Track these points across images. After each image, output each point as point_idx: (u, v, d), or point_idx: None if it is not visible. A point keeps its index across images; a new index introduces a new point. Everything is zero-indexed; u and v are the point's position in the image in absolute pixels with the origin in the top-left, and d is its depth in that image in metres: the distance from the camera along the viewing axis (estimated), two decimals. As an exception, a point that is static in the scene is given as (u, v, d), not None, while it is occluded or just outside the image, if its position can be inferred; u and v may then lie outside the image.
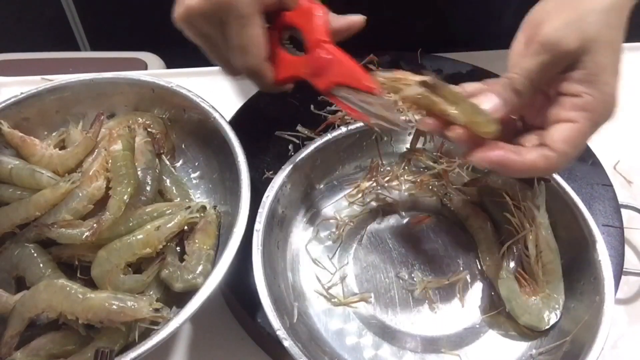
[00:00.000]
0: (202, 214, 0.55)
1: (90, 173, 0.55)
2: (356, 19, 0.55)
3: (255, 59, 0.52)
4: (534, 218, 0.54)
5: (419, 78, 0.47)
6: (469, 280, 0.57)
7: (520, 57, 0.47)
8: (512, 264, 0.54)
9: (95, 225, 0.51)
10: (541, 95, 0.48)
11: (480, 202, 0.60)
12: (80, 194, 0.53)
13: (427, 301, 0.55)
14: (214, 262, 0.53)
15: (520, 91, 0.46)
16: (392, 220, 0.61)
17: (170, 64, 1.25)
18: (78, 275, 0.52)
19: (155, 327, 0.47)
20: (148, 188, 0.57)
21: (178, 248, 0.55)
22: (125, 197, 0.52)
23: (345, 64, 0.51)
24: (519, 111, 0.49)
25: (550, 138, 0.45)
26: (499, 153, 0.45)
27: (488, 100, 0.47)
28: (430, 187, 0.62)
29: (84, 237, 0.51)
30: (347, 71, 0.51)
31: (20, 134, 0.60)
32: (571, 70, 0.45)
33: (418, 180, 0.62)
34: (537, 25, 0.47)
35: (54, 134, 0.63)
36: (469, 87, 0.50)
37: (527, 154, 0.45)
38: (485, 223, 0.58)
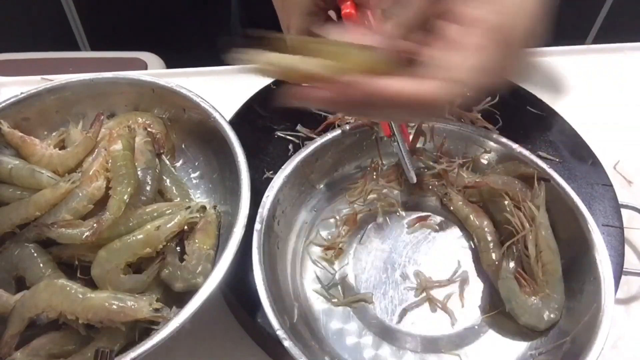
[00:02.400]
0: (202, 214, 0.55)
1: (90, 173, 0.55)
2: None
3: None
4: (534, 218, 0.54)
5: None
6: (469, 280, 0.57)
7: None
8: (512, 264, 0.54)
9: (95, 225, 0.51)
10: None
11: (480, 202, 0.60)
12: (80, 194, 0.53)
13: (427, 301, 0.55)
14: (214, 262, 0.53)
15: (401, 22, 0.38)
16: (392, 220, 0.61)
17: (170, 64, 1.26)
18: (78, 275, 0.52)
19: (156, 327, 0.47)
20: (148, 188, 0.57)
21: (178, 248, 0.55)
22: (125, 197, 0.52)
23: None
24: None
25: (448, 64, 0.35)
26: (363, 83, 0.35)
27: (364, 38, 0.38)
28: (430, 187, 0.62)
29: (84, 237, 0.51)
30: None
31: (20, 134, 0.60)
32: None
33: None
34: None
35: (54, 134, 0.63)
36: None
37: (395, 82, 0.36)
38: (485, 223, 0.58)
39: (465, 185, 0.60)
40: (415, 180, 0.59)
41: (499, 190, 0.58)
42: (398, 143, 0.57)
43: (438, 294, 0.55)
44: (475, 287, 0.56)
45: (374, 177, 0.63)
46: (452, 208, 0.61)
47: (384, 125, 0.58)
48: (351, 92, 0.36)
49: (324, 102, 0.38)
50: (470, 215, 0.59)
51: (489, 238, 0.57)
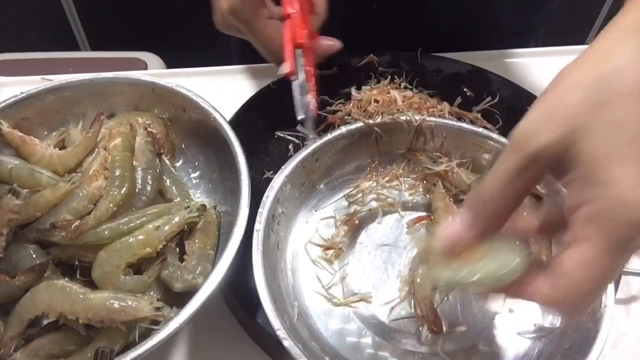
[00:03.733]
0: (202, 214, 0.55)
1: (90, 173, 0.55)
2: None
3: (272, 50, 0.61)
4: None
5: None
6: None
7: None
8: None
9: (73, 226, 0.51)
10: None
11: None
12: (80, 194, 0.53)
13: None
14: (214, 262, 0.53)
15: (491, 202, 0.37)
16: (392, 220, 0.61)
17: (170, 64, 1.26)
18: (78, 276, 0.52)
19: (156, 327, 0.47)
20: (148, 188, 0.57)
21: (178, 248, 0.55)
22: (117, 199, 0.53)
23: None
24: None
25: (558, 263, 0.35)
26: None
27: (452, 227, 0.38)
28: (429, 186, 0.62)
29: (61, 235, 0.51)
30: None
31: (20, 134, 0.60)
32: (565, 173, 0.35)
33: (418, 179, 0.62)
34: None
35: (54, 133, 0.63)
36: None
37: (532, 281, 0.36)
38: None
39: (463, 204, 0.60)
40: (301, 116, 0.59)
41: None
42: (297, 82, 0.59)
43: (438, 293, 0.55)
44: (475, 287, 0.56)
45: (374, 177, 0.63)
46: (429, 196, 0.61)
47: (290, 61, 0.59)
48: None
49: None
50: (439, 209, 0.59)
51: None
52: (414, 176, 0.63)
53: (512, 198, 0.37)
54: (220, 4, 0.61)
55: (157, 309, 0.48)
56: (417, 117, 0.62)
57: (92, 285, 0.51)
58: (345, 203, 0.62)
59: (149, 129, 0.62)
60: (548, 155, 0.35)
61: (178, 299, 0.50)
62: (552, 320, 0.53)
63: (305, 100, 0.59)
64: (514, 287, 0.37)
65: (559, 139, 0.34)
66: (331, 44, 0.65)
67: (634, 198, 0.32)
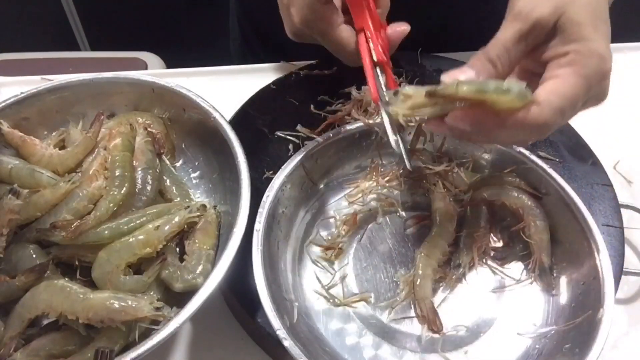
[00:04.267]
0: (202, 214, 0.55)
1: (90, 173, 0.55)
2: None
3: (348, 56, 0.60)
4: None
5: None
6: (469, 279, 0.57)
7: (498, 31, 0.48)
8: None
9: (73, 226, 0.51)
10: (535, 65, 0.48)
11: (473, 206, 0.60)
12: (80, 194, 0.53)
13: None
14: (214, 262, 0.53)
15: (494, 60, 0.46)
16: (392, 220, 0.61)
17: (170, 64, 1.26)
18: (78, 276, 0.52)
19: (156, 327, 0.47)
20: (148, 188, 0.57)
21: (178, 248, 0.55)
22: (117, 199, 0.53)
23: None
24: None
25: (535, 94, 0.43)
26: (478, 112, 0.43)
27: (461, 71, 0.46)
28: (429, 186, 0.62)
29: (61, 235, 0.51)
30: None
31: (20, 134, 0.60)
32: (552, 38, 0.46)
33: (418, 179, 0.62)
34: (513, 2, 0.48)
35: (54, 133, 0.63)
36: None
37: (511, 113, 0.43)
38: (449, 223, 0.58)
39: (462, 205, 0.60)
40: (410, 167, 0.56)
41: (494, 201, 0.58)
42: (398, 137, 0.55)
43: (438, 294, 0.56)
44: (476, 287, 0.56)
45: (374, 177, 0.63)
46: (429, 196, 0.61)
47: (372, 86, 0.57)
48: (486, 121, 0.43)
49: (473, 125, 0.44)
50: (439, 210, 0.59)
51: (441, 238, 0.57)
52: (414, 176, 0.63)
53: (512, 61, 0.46)
54: (291, 18, 0.60)
55: (157, 309, 0.48)
56: (417, 117, 0.62)
57: (92, 285, 0.51)
58: (345, 203, 0.62)
59: (149, 129, 0.62)
60: (544, 24, 0.45)
61: (178, 299, 0.50)
62: (552, 320, 0.53)
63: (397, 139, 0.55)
64: (501, 116, 0.43)
65: (552, 10, 0.45)
66: (402, 29, 0.62)
67: (605, 53, 0.44)
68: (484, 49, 0.47)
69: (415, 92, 0.45)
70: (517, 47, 0.46)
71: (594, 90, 0.45)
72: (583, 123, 0.70)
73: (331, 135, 0.60)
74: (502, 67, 0.46)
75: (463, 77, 0.45)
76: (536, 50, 0.48)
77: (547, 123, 0.43)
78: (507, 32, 0.46)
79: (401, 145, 0.54)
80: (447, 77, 0.46)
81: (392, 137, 0.53)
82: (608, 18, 0.47)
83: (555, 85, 0.44)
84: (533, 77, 0.48)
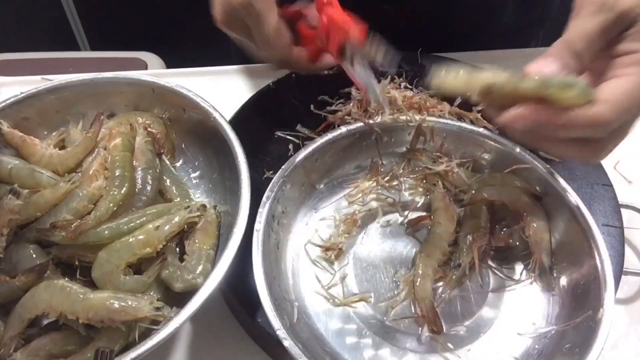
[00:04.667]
0: (202, 214, 0.55)
1: (90, 173, 0.55)
2: None
3: (281, 50, 0.56)
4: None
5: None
6: (469, 279, 0.57)
7: (577, 20, 0.44)
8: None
9: (73, 226, 0.51)
10: (602, 62, 0.45)
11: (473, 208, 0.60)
12: (80, 194, 0.53)
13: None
14: (214, 262, 0.53)
15: (580, 54, 0.43)
16: (392, 221, 0.61)
17: (170, 64, 1.26)
18: (78, 276, 0.52)
19: (156, 327, 0.47)
20: (148, 188, 0.57)
21: (178, 248, 0.55)
22: (117, 199, 0.53)
23: (338, 21, 0.51)
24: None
25: (598, 92, 0.42)
26: (535, 108, 0.42)
27: (546, 64, 0.44)
28: (429, 186, 0.62)
29: (61, 235, 0.51)
30: (341, 28, 0.52)
31: (20, 134, 0.60)
32: (627, 29, 0.43)
33: (418, 179, 0.62)
34: None
35: (54, 133, 0.63)
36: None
37: (571, 110, 0.41)
38: (449, 223, 0.58)
39: (462, 205, 0.60)
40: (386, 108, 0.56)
41: (495, 202, 0.58)
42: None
43: (438, 294, 0.56)
44: (476, 286, 0.56)
45: (374, 177, 0.63)
46: (429, 196, 0.61)
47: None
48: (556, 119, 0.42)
49: (529, 124, 0.43)
50: (439, 209, 0.59)
51: (441, 237, 0.57)
52: (414, 176, 0.63)
53: (594, 53, 0.44)
54: None
55: (157, 309, 0.48)
56: (417, 117, 0.62)
57: (92, 285, 0.51)
58: (345, 203, 0.62)
59: (149, 129, 0.62)
60: (630, 16, 0.43)
61: (178, 299, 0.50)
62: (552, 320, 0.53)
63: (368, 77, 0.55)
64: (567, 111, 0.41)
65: (637, 3, 0.43)
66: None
67: None
68: (566, 40, 0.44)
69: (466, 76, 0.44)
70: (601, 40, 0.44)
71: None
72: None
73: (331, 135, 0.60)
74: (587, 61, 0.44)
75: (548, 70, 0.43)
76: (607, 45, 0.45)
77: (611, 121, 0.41)
78: (592, 23, 0.43)
79: (377, 89, 0.53)
80: (533, 69, 0.44)
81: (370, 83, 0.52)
82: None
83: (621, 83, 0.42)
84: (591, 75, 0.46)
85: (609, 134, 0.43)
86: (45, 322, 0.51)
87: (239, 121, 0.67)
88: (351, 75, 0.54)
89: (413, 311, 0.54)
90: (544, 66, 0.43)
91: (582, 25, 0.44)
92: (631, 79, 0.42)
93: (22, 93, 0.61)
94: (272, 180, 0.56)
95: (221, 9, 0.58)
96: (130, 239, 0.51)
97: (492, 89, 0.43)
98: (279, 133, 0.68)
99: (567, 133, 0.43)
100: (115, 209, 0.53)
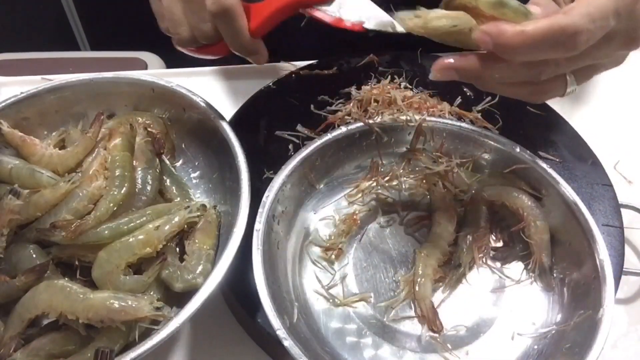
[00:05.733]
0: (202, 214, 0.55)
1: (90, 173, 0.55)
2: None
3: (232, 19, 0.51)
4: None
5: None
6: (469, 279, 0.57)
7: None
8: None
9: (73, 226, 0.51)
10: None
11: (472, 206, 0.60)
12: (80, 194, 0.53)
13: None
14: (214, 262, 0.53)
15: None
16: (392, 220, 0.61)
17: (170, 64, 1.26)
18: (78, 276, 0.52)
19: (156, 327, 0.47)
20: (148, 188, 0.57)
21: (178, 248, 0.55)
22: (117, 199, 0.53)
23: None
24: None
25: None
26: (497, 24, 0.41)
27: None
28: (429, 186, 0.62)
29: (61, 235, 0.51)
30: None
31: (20, 134, 0.60)
32: None
33: (418, 179, 0.62)
34: None
35: (53, 133, 0.63)
36: None
37: (533, 21, 0.40)
38: (449, 223, 0.58)
39: (462, 205, 0.60)
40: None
41: (494, 201, 0.58)
42: None
43: (438, 294, 0.56)
44: (476, 286, 0.56)
45: (374, 177, 0.63)
46: (430, 197, 0.61)
47: None
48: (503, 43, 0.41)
49: (472, 70, 0.43)
50: (440, 209, 0.59)
51: (442, 238, 0.57)
52: (414, 176, 0.63)
53: None
54: None
55: (157, 309, 0.48)
56: (417, 117, 0.62)
57: (92, 285, 0.51)
58: (345, 203, 0.62)
59: (149, 129, 0.62)
60: None
61: (178, 299, 0.51)
62: (552, 320, 0.53)
63: None
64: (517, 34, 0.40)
65: None
66: None
67: None
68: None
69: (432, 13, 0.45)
70: None
71: (623, 19, 0.41)
72: (583, 123, 0.70)
73: (331, 135, 0.60)
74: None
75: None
76: None
77: (577, 29, 0.39)
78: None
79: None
80: None
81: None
82: None
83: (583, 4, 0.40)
84: None
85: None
86: (45, 322, 0.51)
87: (239, 121, 0.67)
88: (322, 18, 0.53)
89: (413, 311, 0.54)
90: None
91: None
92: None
93: (22, 93, 0.61)
94: (272, 180, 0.56)
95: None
96: (130, 239, 0.51)
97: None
98: (279, 133, 0.68)
99: (533, 51, 0.41)
100: (115, 209, 0.53)
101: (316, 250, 0.58)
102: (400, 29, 0.48)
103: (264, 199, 0.54)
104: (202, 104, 0.60)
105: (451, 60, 0.45)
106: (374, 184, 0.62)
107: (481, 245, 0.57)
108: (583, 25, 0.39)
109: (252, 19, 0.55)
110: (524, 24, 0.41)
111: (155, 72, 1.04)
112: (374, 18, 0.51)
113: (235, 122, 0.65)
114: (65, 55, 1.33)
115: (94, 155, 0.58)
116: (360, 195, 0.62)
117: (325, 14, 0.52)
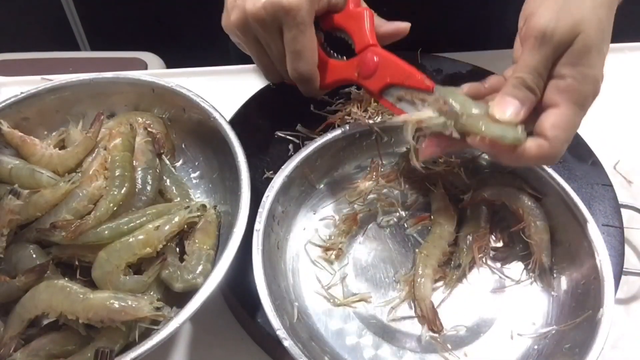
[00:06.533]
0: (202, 214, 0.55)
1: (90, 173, 0.55)
2: (402, 26, 0.62)
3: (308, 65, 0.58)
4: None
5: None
6: (469, 279, 0.57)
7: (524, 55, 0.49)
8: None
9: (73, 226, 0.51)
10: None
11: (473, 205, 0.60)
12: (80, 194, 0.53)
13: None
14: (214, 262, 0.53)
15: (532, 88, 0.48)
16: (392, 220, 0.61)
17: (170, 64, 1.26)
18: (78, 276, 0.52)
19: (156, 327, 0.47)
20: (148, 188, 0.57)
21: (178, 248, 0.55)
22: (117, 199, 0.53)
23: (400, 65, 0.56)
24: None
25: (541, 126, 0.47)
26: (496, 145, 0.47)
27: (507, 105, 0.48)
28: (429, 186, 0.62)
29: (61, 235, 0.51)
30: (403, 71, 0.55)
31: (20, 134, 0.60)
32: (563, 52, 0.48)
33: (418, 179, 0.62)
34: (529, 18, 0.49)
35: (54, 133, 0.63)
36: (472, 87, 0.52)
37: (522, 147, 0.47)
38: (449, 223, 0.58)
39: (462, 205, 0.60)
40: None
41: (494, 201, 0.58)
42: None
43: (438, 294, 0.56)
44: (476, 286, 0.56)
45: (374, 177, 0.63)
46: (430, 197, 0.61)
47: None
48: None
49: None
50: (440, 209, 0.59)
51: (441, 237, 0.57)
52: (414, 176, 0.63)
53: (544, 81, 0.48)
54: None
55: (157, 309, 0.48)
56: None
57: (92, 285, 0.51)
58: (345, 203, 0.62)
59: (149, 129, 0.62)
60: (565, 44, 0.47)
61: (178, 299, 0.51)
62: (552, 320, 0.53)
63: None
64: (511, 152, 0.47)
65: (571, 29, 0.47)
66: (398, 28, 0.63)
67: (600, 76, 0.48)
68: (518, 77, 0.48)
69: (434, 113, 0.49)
70: (547, 70, 0.48)
71: (588, 107, 0.49)
72: (583, 123, 0.70)
73: (331, 135, 0.60)
74: (540, 90, 0.49)
75: (509, 110, 0.48)
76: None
77: (558, 155, 0.48)
78: (536, 58, 0.48)
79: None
80: (497, 111, 0.48)
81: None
82: (610, 35, 0.50)
83: (557, 117, 0.47)
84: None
85: None
86: (45, 322, 0.51)
87: (239, 121, 0.67)
88: (392, 108, 0.57)
89: (413, 311, 0.54)
90: (505, 107, 0.48)
91: (529, 60, 0.48)
92: (564, 110, 0.47)
93: (22, 93, 0.61)
94: (272, 180, 0.56)
95: (256, 9, 0.56)
96: (130, 239, 0.51)
97: (464, 126, 0.48)
98: (279, 133, 0.68)
99: (517, 163, 0.49)
100: (115, 209, 0.53)
101: (316, 250, 0.58)
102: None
103: (264, 199, 0.54)
104: (202, 104, 0.60)
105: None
106: (374, 184, 0.62)
107: (481, 245, 0.57)
108: (563, 149, 0.48)
109: (328, 76, 0.61)
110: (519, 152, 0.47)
111: (155, 72, 1.04)
112: None
113: (235, 122, 0.65)
114: (65, 55, 1.33)
115: (94, 155, 0.58)
116: (360, 195, 0.62)
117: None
